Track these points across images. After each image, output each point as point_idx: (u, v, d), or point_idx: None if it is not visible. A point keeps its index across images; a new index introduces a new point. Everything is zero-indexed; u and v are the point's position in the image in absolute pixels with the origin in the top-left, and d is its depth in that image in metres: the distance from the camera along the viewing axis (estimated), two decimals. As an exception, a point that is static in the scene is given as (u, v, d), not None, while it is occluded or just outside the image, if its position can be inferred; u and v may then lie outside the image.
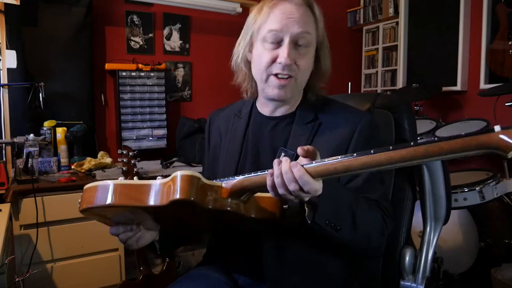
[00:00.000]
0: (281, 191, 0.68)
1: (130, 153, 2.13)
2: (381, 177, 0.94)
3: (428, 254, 1.10)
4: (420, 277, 1.08)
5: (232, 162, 0.98)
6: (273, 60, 0.88)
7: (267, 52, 0.89)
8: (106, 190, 0.76)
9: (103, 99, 2.83)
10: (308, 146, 0.69)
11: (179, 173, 0.71)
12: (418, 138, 2.64)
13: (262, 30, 0.90)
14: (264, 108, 1.00)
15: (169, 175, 0.73)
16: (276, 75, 0.89)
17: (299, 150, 0.69)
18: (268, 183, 0.69)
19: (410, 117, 1.12)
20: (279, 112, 0.98)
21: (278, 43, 0.88)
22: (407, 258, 1.07)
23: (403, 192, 1.12)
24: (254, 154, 0.97)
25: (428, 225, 1.12)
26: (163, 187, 0.72)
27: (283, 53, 0.86)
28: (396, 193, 1.10)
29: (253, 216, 0.78)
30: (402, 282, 1.08)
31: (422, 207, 1.13)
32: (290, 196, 0.69)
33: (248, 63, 0.97)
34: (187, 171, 0.71)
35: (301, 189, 0.66)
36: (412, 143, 0.56)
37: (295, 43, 0.88)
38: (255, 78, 0.97)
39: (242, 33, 0.97)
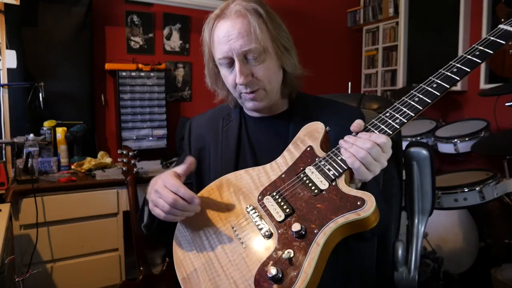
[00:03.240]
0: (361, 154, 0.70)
1: (130, 153, 2.14)
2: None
3: (418, 245, 1.19)
4: (412, 267, 1.15)
5: (230, 162, 0.98)
6: (235, 81, 0.90)
7: (228, 74, 0.92)
8: None
9: (103, 99, 2.83)
10: (358, 121, 0.76)
11: (374, 204, 0.67)
12: (418, 138, 2.66)
13: (215, 56, 0.92)
14: (252, 112, 1.02)
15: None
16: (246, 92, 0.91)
17: (355, 126, 0.75)
18: (348, 156, 0.72)
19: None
20: (267, 114, 1.00)
21: (232, 64, 0.89)
22: (400, 251, 1.14)
23: (392, 189, 1.16)
24: (252, 154, 0.98)
25: (416, 218, 1.21)
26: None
27: (236, 74, 0.88)
28: (386, 189, 1.14)
29: None
30: (396, 274, 1.15)
31: (410, 202, 1.21)
32: (368, 158, 0.70)
33: (222, 81, 0.98)
34: (373, 202, 0.67)
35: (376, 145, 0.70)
36: None
37: (245, 58, 0.88)
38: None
39: (203, 54, 0.98)
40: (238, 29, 0.86)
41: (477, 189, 1.97)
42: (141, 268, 1.98)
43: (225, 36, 0.87)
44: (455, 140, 2.48)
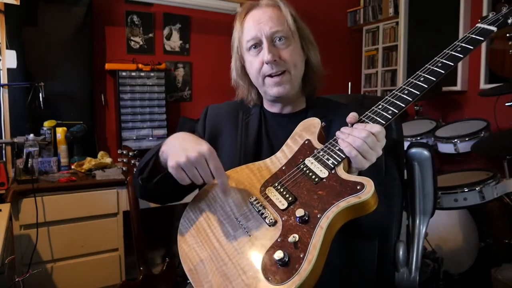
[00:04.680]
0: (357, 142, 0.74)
1: (130, 153, 2.14)
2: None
3: (419, 245, 1.19)
4: (413, 268, 1.16)
5: (248, 154, 1.00)
6: (262, 63, 0.95)
7: (254, 58, 0.97)
8: None
9: (103, 99, 2.83)
10: (353, 113, 0.80)
11: (373, 187, 0.70)
12: (418, 138, 2.66)
13: (243, 42, 0.99)
14: (272, 108, 1.06)
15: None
16: (270, 75, 0.96)
17: (350, 118, 0.79)
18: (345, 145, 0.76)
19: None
20: (286, 110, 1.04)
21: (260, 47, 0.96)
22: (401, 252, 1.14)
23: (394, 189, 1.16)
24: (270, 148, 1.00)
25: (418, 218, 1.21)
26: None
27: (264, 52, 0.94)
28: (386, 190, 1.13)
29: None
30: (397, 274, 1.15)
31: (411, 202, 1.21)
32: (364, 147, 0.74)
33: (245, 76, 1.04)
34: (372, 186, 0.70)
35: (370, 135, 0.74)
36: None
37: (273, 41, 0.95)
38: (255, 85, 1.03)
39: (231, 51, 1.05)
40: (269, 15, 0.95)
41: (477, 189, 1.97)
42: (141, 268, 1.98)
43: (255, 21, 0.95)
44: (455, 140, 2.48)
